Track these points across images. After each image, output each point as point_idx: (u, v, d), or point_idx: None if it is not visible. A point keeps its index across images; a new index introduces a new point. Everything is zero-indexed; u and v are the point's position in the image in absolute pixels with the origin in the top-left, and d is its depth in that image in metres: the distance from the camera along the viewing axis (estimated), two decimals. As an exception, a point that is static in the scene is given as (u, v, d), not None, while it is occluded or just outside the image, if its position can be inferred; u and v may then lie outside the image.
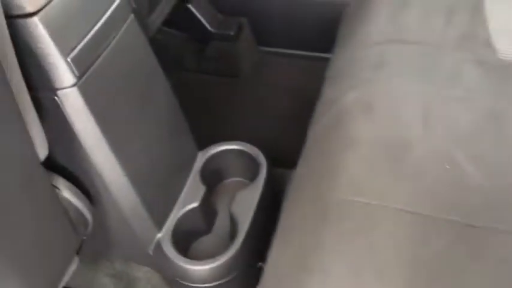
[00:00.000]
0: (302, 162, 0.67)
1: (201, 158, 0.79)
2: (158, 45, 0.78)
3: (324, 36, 0.94)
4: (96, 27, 0.56)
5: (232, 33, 1.07)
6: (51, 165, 0.59)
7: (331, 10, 1.03)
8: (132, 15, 0.62)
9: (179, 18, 1.05)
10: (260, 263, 0.64)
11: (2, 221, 0.49)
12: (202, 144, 0.80)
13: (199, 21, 1.08)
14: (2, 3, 0.47)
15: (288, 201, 0.63)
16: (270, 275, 0.55)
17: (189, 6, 1.07)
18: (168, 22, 0.92)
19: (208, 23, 1.09)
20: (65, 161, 0.62)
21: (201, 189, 0.75)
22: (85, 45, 0.55)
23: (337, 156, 0.60)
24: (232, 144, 0.81)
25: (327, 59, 0.85)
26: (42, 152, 0.53)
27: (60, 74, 0.54)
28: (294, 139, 0.73)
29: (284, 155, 0.82)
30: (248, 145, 0.80)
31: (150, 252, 0.72)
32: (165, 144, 0.72)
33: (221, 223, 0.77)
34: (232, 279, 0.70)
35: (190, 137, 0.78)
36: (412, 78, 0.67)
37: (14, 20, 0.50)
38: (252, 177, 0.80)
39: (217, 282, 0.70)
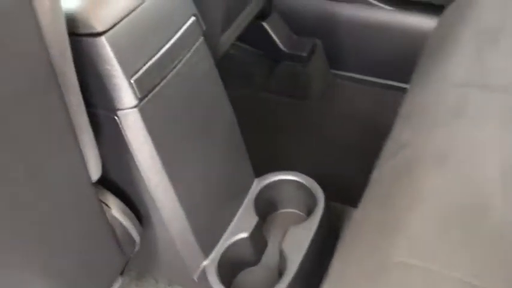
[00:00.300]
0: (362, 206, 0.62)
1: (257, 185, 0.76)
2: (228, 59, 0.76)
3: (400, 65, 0.90)
4: (163, 50, 0.55)
5: (304, 54, 1.05)
6: (103, 181, 0.59)
7: (410, 39, 0.98)
8: (201, 38, 0.61)
9: (252, 34, 1.03)
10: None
11: (48, 238, 0.49)
12: (260, 168, 0.77)
13: (272, 39, 1.06)
14: (68, 19, 0.47)
15: (343, 246, 0.59)
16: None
17: (264, 23, 1.05)
18: (240, 36, 0.91)
19: (282, 42, 1.07)
20: (117, 179, 0.61)
21: (253, 219, 0.73)
22: (150, 67, 0.54)
23: (401, 209, 0.56)
24: (290, 175, 0.77)
25: (401, 89, 0.80)
26: (96, 172, 0.52)
27: (122, 95, 0.53)
28: (357, 173, 0.69)
29: (344, 188, 0.78)
30: (306, 177, 0.77)
31: (195, 278, 0.70)
32: (222, 170, 0.70)
33: (270, 256, 0.74)
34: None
35: (248, 163, 0.75)
36: (495, 132, 0.61)
37: (80, 37, 0.49)
38: (307, 210, 0.76)
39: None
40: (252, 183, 0.76)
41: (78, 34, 0.49)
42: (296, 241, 0.70)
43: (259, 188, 0.75)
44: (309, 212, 0.75)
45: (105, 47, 0.50)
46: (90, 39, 0.50)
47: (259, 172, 0.77)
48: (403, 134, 0.68)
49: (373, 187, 0.64)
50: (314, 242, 0.71)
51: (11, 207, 0.43)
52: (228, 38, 0.84)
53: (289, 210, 0.80)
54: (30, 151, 0.44)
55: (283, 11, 1.08)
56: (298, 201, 0.78)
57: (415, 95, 0.75)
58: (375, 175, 0.66)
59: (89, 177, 0.51)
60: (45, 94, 0.44)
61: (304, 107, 1.06)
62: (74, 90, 0.47)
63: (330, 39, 1.07)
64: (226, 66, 0.74)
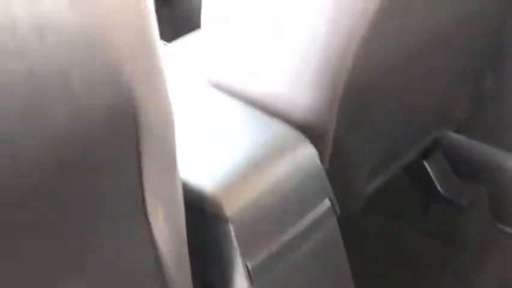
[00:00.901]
0: None
1: None
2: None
3: None
4: (287, 236, 0.53)
5: (464, 203, 0.95)
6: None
7: None
8: (334, 220, 0.57)
9: (409, 167, 0.97)
10: None
11: None
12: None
13: (431, 180, 0.99)
14: (195, 194, 0.47)
15: None
16: None
17: (425, 162, 0.98)
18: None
19: (440, 184, 0.98)
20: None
21: None
22: (270, 254, 0.52)
23: None
24: None
25: None
26: None
27: (234, 277, 0.52)
28: None
29: None
30: None
31: None
32: None
33: None
34: None
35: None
36: None
37: (203, 212, 0.50)
38: None
39: None
40: None
41: (202, 209, 0.50)
42: None
43: None
44: None
45: (230, 232, 0.49)
46: (215, 221, 0.50)
47: None
48: None
49: None
50: None
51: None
52: (373, 185, 0.79)
53: None
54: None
55: (448, 151, 1.00)
56: None
57: None
58: None
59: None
60: None
61: (456, 257, 0.96)
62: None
63: (496, 189, 0.96)
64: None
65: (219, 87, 0.63)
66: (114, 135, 0.36)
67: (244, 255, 0.51)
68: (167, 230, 0.42)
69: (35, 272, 0.37)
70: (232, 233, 0.50)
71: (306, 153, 0.55)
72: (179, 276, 0.47)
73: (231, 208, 0.50)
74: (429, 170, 0.99)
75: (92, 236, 0.38)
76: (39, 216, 0.35)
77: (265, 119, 0.59)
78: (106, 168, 0.36)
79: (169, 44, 0.82)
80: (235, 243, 0.50)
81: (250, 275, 0.52)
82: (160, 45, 0.37)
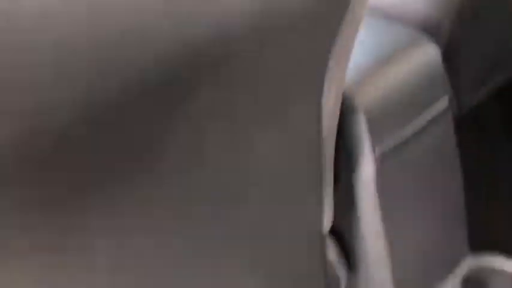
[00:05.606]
0: None
1: (469, 263, 0.74)
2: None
3: None
4: (411, 128, 0.58)
5: None
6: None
7: None
8: (450, 117, 0.62)
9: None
10: None
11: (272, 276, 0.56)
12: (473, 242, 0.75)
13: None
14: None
15: None
16: None
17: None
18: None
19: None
20: (334, 222, 0.66)
21: (457, 296, 0.72)
22: (394, 143, 0.57)
23: None
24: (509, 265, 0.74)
25: None
26: (328, 223, 0.58)
27: (362, 161, 0.57)
28: None
29: None
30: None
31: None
32: (435, 236, 0.70)
33: None
34: None
35: (464, 235, 0.74)
36: None
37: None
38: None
39: None
40: (463, 258, 0.74)
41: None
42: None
43: (470, 267, 0.74)
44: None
45: (361, 120, 0.55)
46: (348, 112, 0.55)
47: (472, 246, 0.75)
48: None
49: None
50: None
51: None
52: (479, 96, 0.81)
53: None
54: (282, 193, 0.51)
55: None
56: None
57: None
58: None
59: (323, 227, 0.58)
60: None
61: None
62: (331, 150, 0.53)
63: None
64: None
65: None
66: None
67: (373, 141, 0.57)
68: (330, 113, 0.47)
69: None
70: (363, 121, 0.55)
71: (428, 52, 0.60)
72: (328, 159, 0.53)
73: (363, 100, 0.55)
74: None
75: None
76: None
77: (385, 21, 0.63)
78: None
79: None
80: (365, 129, 0.56)
81: (378, 160, 0.58)
82: None
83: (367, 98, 0.56)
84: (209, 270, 0.48)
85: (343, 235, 0.69)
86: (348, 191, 0.61)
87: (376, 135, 0.57)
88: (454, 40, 0.65)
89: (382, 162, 0.58)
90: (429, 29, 0.63)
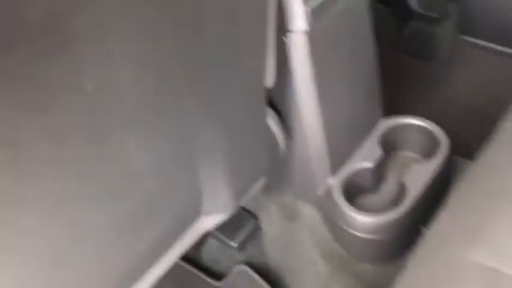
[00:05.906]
0: (479, 157, 0.68)
1: (383, 124, 0.85)
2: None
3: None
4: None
5: (435, 15, 1.07)
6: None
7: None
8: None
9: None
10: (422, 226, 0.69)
11: (226, 126, 0.61)
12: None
13: (404, -2, 1.09)
14: None
15: (454, 198, 0.64)
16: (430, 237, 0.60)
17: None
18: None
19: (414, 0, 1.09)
20: (271, 91, 0.72)
21: (377, 153, 0.82)
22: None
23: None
24: (415, 119, 0.85)
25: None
26: (271, 80, 0.64)
27: (295, 20, 0.63)
28: (475, 133, 0.75)
29: (461, 144, 0.84)
30: (431, 123, 0.84)
31: (319, 193, 0.80)
32: (359, 99, 0.79)
33: (389, 188, 0.83)
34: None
35: (379, 102, 0.84)
36: None
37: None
38: (427, 155, 0.84)
39: (378, 236, 0.77)
40: (379, 119, 0.85)
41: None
42: (417, 175, 0.79)
43: (385, 126, 0.84)
44: (428, 157, 0.83)
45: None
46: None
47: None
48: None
49: (494, 141, 0.69)
50: (433, 180, 0.79)
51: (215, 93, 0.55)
52: None
53: (409, 153, 0.87)
54: (233, 47, 0.55)
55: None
56: (420, 145, 0.86)
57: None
58: (498, 130, 0.71)
59: (265, 83, 0.63)
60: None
61: (429, 68, 1.11)
62: (273, 11, 0.58)
63: (465, 2, 1.08)
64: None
65: None
66: None
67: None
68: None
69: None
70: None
71: None
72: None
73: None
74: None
75: None
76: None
77: None
78: None
79: None
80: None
81: (309, 17, 0.64)
82: None
83: None
84: (174, 106, 0.52)
85: (277, 104, 0.75)
86: (283, 50, 0.67)
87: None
88: None
89: (314, 18, 0.64)
90: None
